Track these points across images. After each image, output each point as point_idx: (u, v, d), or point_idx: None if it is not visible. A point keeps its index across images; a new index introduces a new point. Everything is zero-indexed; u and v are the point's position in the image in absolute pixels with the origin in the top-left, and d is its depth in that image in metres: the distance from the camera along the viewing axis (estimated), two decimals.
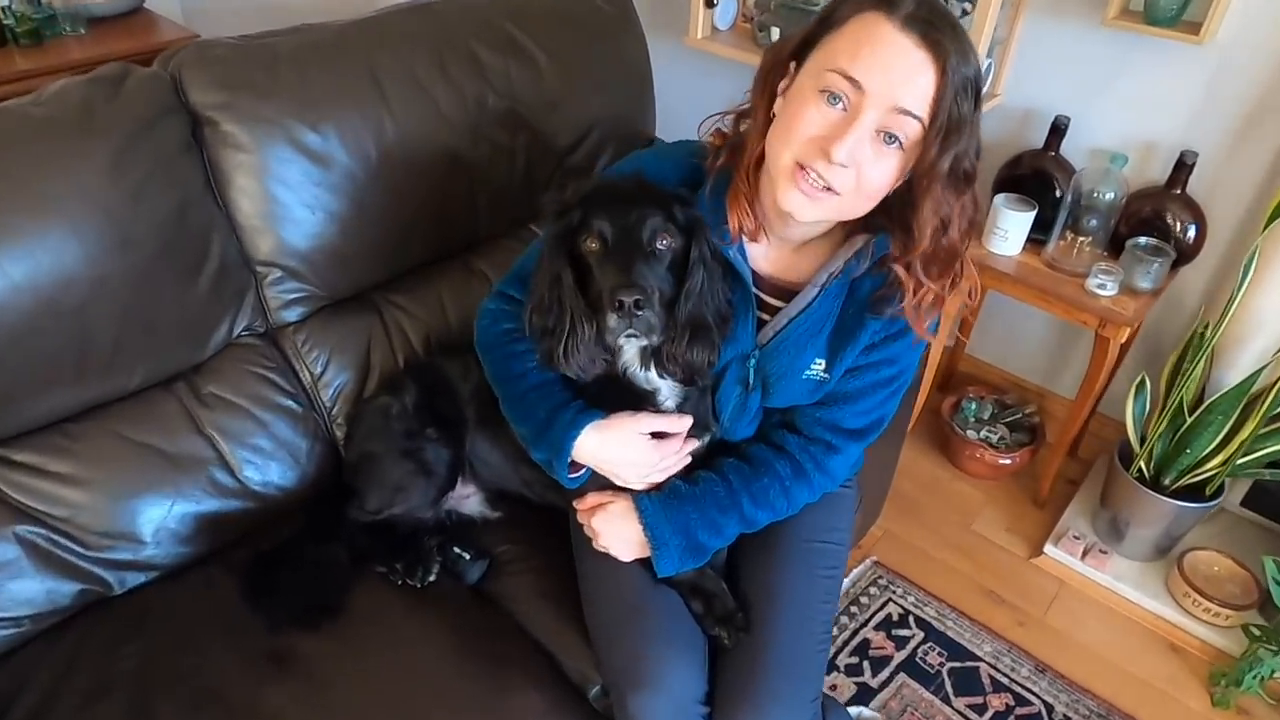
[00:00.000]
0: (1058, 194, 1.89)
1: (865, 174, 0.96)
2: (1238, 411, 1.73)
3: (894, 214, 1.04)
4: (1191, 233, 1.83)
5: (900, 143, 0.95)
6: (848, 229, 1.11)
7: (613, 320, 1.01)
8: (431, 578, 1.28)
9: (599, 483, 1.19)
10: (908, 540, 2.07)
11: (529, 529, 1.39)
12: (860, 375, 1.16)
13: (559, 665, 1.24)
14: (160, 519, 1.26)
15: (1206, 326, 1.75)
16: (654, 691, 1.09)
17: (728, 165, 1.11)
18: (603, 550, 1.18)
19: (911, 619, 1.88)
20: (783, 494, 1.18)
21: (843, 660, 1.78)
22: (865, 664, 1.78)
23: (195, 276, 1.28)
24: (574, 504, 1.22)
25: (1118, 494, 1.94)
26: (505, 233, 1.64)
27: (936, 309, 1.09)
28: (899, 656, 1.80)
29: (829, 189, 0.97)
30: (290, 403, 1.39)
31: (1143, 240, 1.83)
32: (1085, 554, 1.98)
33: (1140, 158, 1.90)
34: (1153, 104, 1.86)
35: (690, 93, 1.82)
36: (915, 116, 0.93)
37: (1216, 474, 1.80)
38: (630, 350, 1.12)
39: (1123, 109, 1.90)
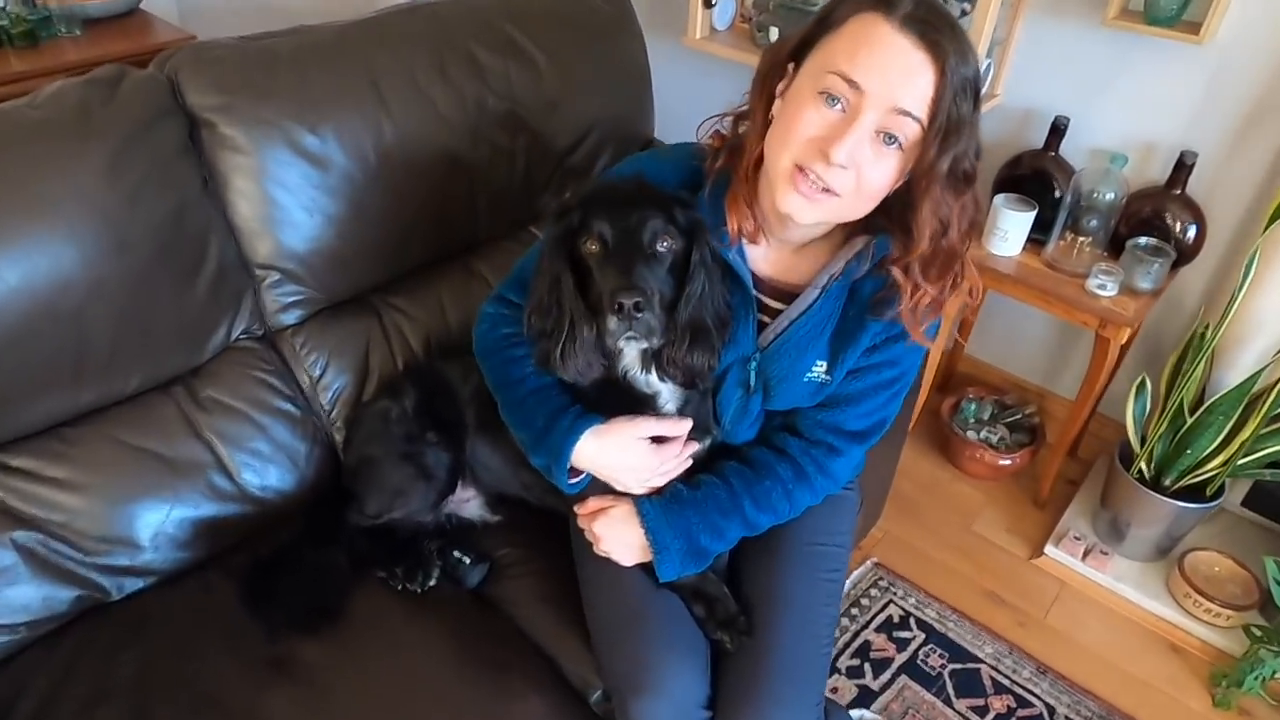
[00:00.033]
0: (1057, 194, 1.89)
1: (864, 175, 0.96)
2: (1238, 412, 1.72)
3: (894, 215, 1.04)
4: (1191, 233, 1.83)
5: (899, 144, 0.95)
6: (848, 230, 1.11)
7: (612, 323, 1.01)
8: (431, 582, 1.28)
9: (600, 487, 1.18)
10: (908, 541, 2.07)
11: (529, 532, 1.38)
12: (862, 377, 1.15)
13: (560, 670, 1.24)
14: (158, 524, 1.25)
15: (1207, 327, 1.74)
16: (656, 696, 1.08)
17: (727, 167, 1.10)
18: (604, 555, 1.18)
19: (912, 620, 1.87)
20: (785, 497, 1.18)
21: (844, 662, 1.78)
22: (866, 666, 1.78)
23: (193, 279, 1.27)
24: (575, 509, 1.22)
25: (1118, 494, 1.94)
26: (505, 234, 1.63)
27: (935, 312, 1.09)
28: (900, 658, 1.79)
29: (828, 190, 0.96)
30: (289, 406, 1.38)
31: (1143, 240, 1.82)
32: (1086, 555, 1.98)
33: (1140, 158, 1.89)
34: (1152, 104, 1.85)
35: (689, 93, 1.82)
36: (914, 117, 0.92)
37: (1217, 474, 1.79)
38: (630, 353, 1.12)
39: (1122, 109, 1.89)
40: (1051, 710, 1.71)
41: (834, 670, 1.76)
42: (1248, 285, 1.64)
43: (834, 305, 1.12)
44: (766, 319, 1.16)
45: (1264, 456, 1.74)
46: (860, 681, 1.74)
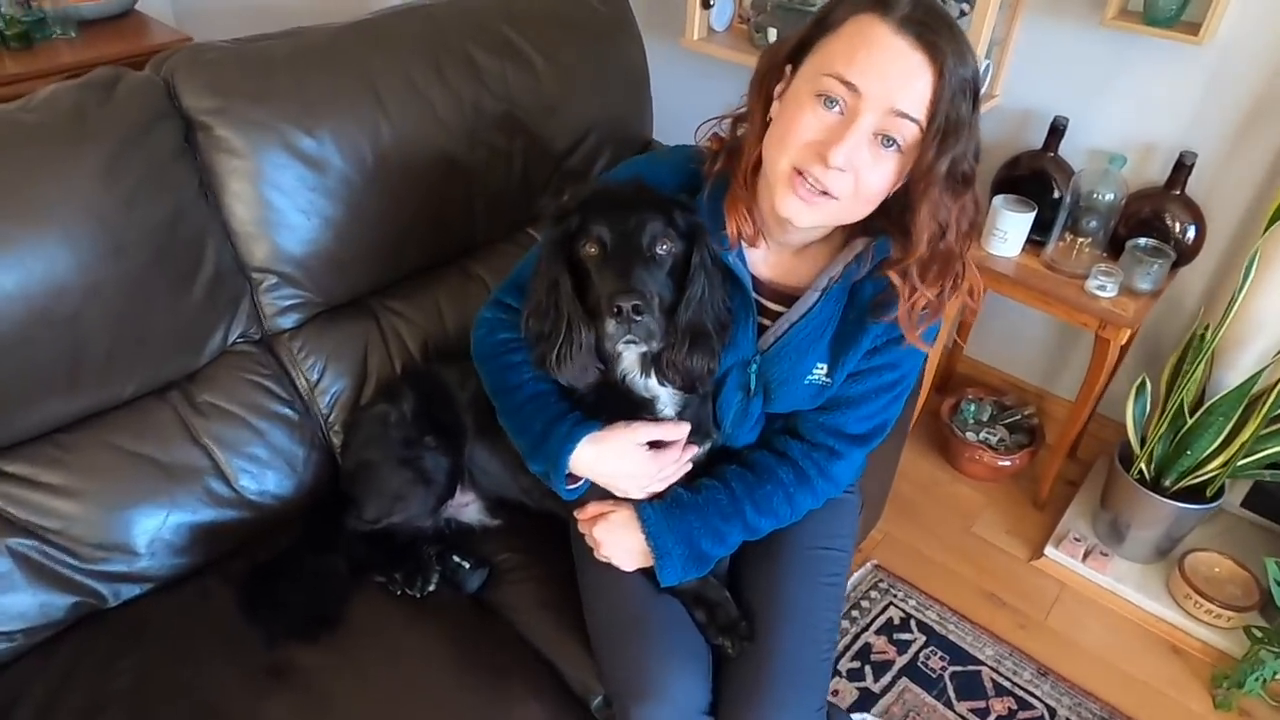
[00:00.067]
0: (1056, 195, 1.89)
1: (863, 178, 0.95)
2: (1238, 413, 1.72)
3: (893, 216, 1.03)
4: (1191, 234, 1.83)
5: (898, 146, 0.94)
6: (847, 233, 1.10)
7: (611, 326, 1.00)
8: (431, 587, 1.27)
9: (599, 492, 1.17)
10: (908, 543, 2.06)
11: (529, 537, 1.38)
12: (863, 380, 1.15)
13: (560, 675, 1.23)
14: (155, 530, 1.24)
15: (1207, 328, 1.74)
16: (658, 702, 1.08)
17: (725, 170, 1.10)
18: (605, 560, 1.17)
19: (913, 623, 1.87)
20: (786, 501, 1.17)
21: (844, 665, 1.77)
22: (867, 669, 1.77)
23: (189, 283, 1.26)
24: (575, 514, 1.21)
25: (1118, 496, 1.93)
26: (503, 237, 1.62)
27: (934, 315, 1.08)
28: (901, 661, 1.79)
29: (826, 193, 0.96)
30: (286, 410, 1.37)
31: (1142, 241, 1.82)
32: (1086, 556, 1.98)
33: (1139, 158, 1.89)
34: (1152, 104, 1.85)
35: (687, 94, 1.81)
36: (913, 119, 0.92)
37: (1217, 475, 1.79)
38: (629, 357, 1.11)
39: (1122, 110, 1.89)
40: (1053, 712, 1.71)
41: (835, 673, 1.75)
42: (1248, 286, 1.64)
43: (834, 308, 1.11)
44: (766, 322, 1.15)
45: (1264, 457, 1.74)
46: (861, 684, 1.74)
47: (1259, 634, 1.73)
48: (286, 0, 2.27)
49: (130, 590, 1.24)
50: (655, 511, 1.14)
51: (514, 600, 1.31)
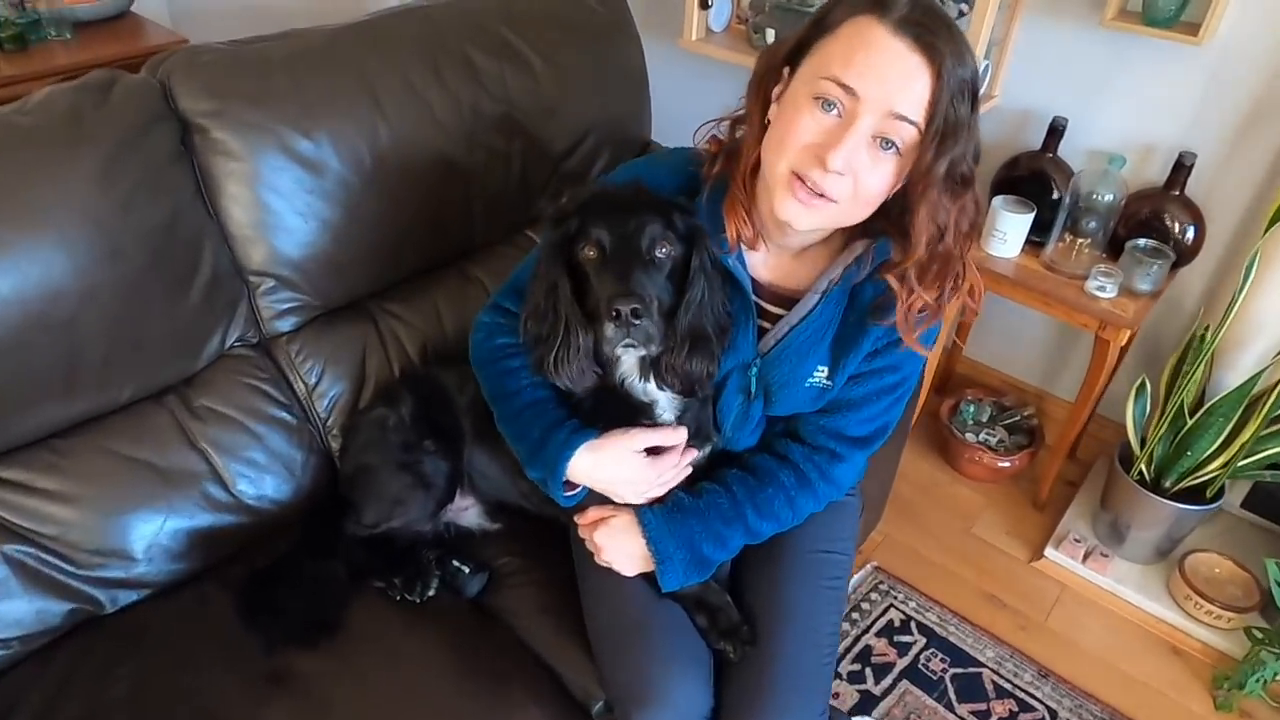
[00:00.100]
0: (1056, 196, 1.88)
1: (862, 181, 0.95)
2: (1238, 413, 1.72)
3: (892, 217, 1.03)
4: (1190, 234, 1.83)
5: (897, 148, 0.94)
6: (847, 235, 1.10)
7: (610, 330, 0.99)
8: (431, 592, 1.26)
9: (599, 496, 1.17)
10: (908, 545, 2.06)
11: (528, 541, 1.37)
12: (863, 382, 1.14)
13: (561, 681, 1.22)
14: (152, 535, 1.23)
15: (1207, 328, 1.74)
16: (660, 708, 1.07)
17: (724, 173, 1.09)
18: (605, 565, 1.16)
19: (913, 624, 1.87)
20: (787, 504, 1.17)
21: (845, 667, 1.77)
22: (868, 671, 1.77)
23: (186, 287, 1.26)
24: (575, 519, 1.20)
25: (1118, 496, 1.93)
26: (501, 239, 1.62)
27: (933, 318, 1.07)
28: (901, 663, 1.79)
29: (824, 196, 0.95)
30: (284, 414, 1.37)
31: (1142, 242, 1.82)
32: (1086, 557, 1.98)
33: (1139, 159, 1.89)
34: (1151, 105, 1.85)
35: (685, 95, 1.81)
36: (911, 122, 0.91)
37: (1217, 476, 1.79)
38: (628, 361, 1.10)
39: (1121, 110, 1.89)
40: (1054, 714, 1.71)
41: (835, 676, 1.74)
42: (1248, 287, 1.63)
43: (834, 310, 1.11)
44: (766, 325, 1.15)
45: (1264, 458, 1.74)
46: (861, 687, 1.74)
47: (1259, 635, 1.72)
48: (283, 1, 2.26)
49: (128, 596, 1.24)
50: (656, 516, 1.13)
51: (514, 605, 1.30)
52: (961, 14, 1.76)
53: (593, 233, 1.02)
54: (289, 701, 1.11)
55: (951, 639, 1.84)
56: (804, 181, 0.95)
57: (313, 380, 1.40)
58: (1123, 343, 1.83)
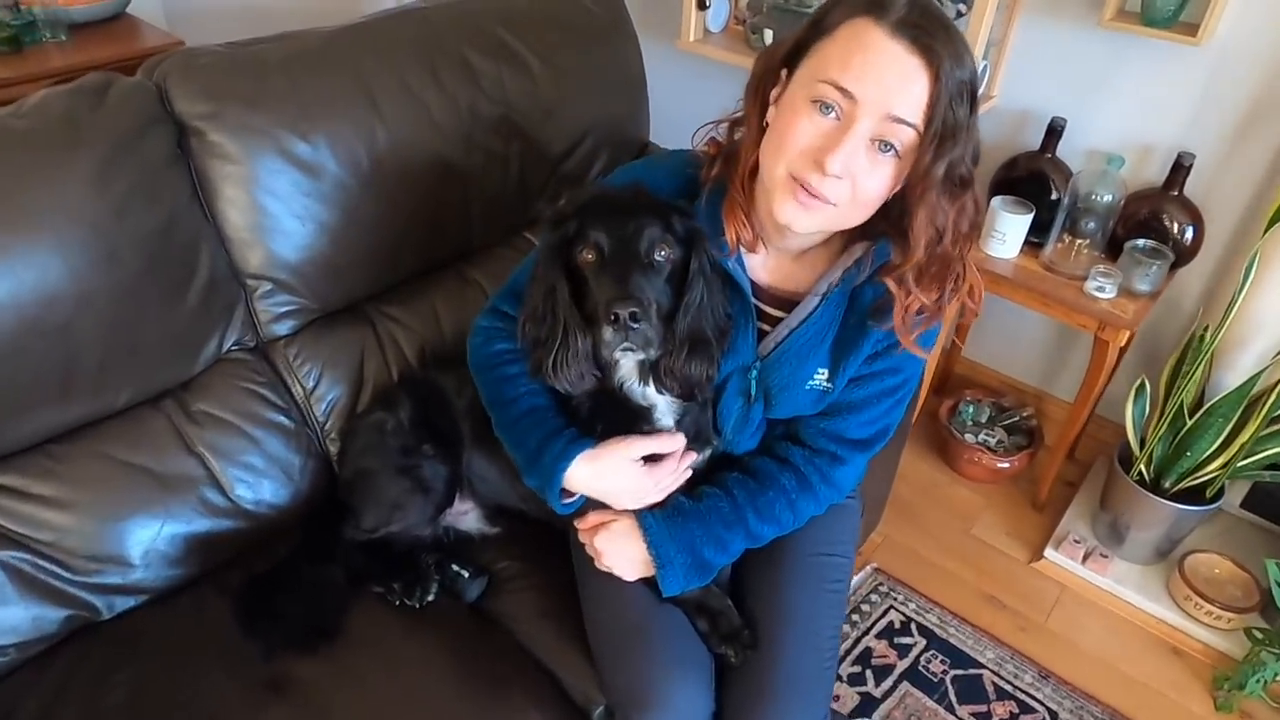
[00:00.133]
0: (1054, 196, 1.88)
1: (860, 184, 0.95)
2: (1238, 414, 1.72)
3: (892, 219, 1.02)
4: (1189, 234, 1.83)
5: (895, 151, 0.93)
6: (847, 237, 1.10)
7: (608, 333, 0.99)
8: (430, 597, 1.26)
9: (599, 501, 1.16)
10: (907, 546, 2.06)
11: (528, 545, 1.36)
12: (864, 385, 1.14)
13: (561, 685, 1.22)
14: (150, 541, 1.23)
15: (1206, 329, 1.74)
16: (661, 712, 1.07)
17: (723, 175, 1.09)
18: (606, 570, 1.16)
19: (913, 626, 1.86)
20: (788, 507, 1.16)
21: (845, 669, 1.77)
22: (868, 673, 1.76)
23: (183, 291, 1.25)
24: (575, 523, 1.20)
25: (1118, 497, 1.93)
26: (499, 241, 1.61)
27: (932, 319, 1.07)
28: (901, 665, 1.78)
29: (823, 199, 0.95)
30: (282, 418, 1.36)
31: (1141, 242, 1.82)
32: (1086, 558, 1.97)
33: (1137, 159, 1.89)
34: (1150, 105, 1.85)
35: (683, 96, 1.80)
36: (910, 124, 0.91)
37: (1217, 476, 1.79)
38: (627, 364, 1.10)
39: (1120, 110, 1.89)
40: (1054, 715, 1.71)
41: (836, 678, 1.74)
42: (1248, 287, 1.63)
43: (834, 313, 1.11)
44: (766, 327, 1.14)
45: (1264, 458, 1.74)
46: (862, 689, 1.73)
47: (1259, 635, 1.72)
48: (280, 3, 2.26)
49: (125, 602, 1.23)
50: (657, 520, 1.13)
51: (514, 609, 1.29)
52: (960, 14, 1.76)
53: (591, 235, 1.01)
54: (288, 708, 1.11)
55: (952, 640, 1.84)
56: (803, 185, 0.94)
57: (310, 384, 1.39)
58: (1122, 343, 1.83)
